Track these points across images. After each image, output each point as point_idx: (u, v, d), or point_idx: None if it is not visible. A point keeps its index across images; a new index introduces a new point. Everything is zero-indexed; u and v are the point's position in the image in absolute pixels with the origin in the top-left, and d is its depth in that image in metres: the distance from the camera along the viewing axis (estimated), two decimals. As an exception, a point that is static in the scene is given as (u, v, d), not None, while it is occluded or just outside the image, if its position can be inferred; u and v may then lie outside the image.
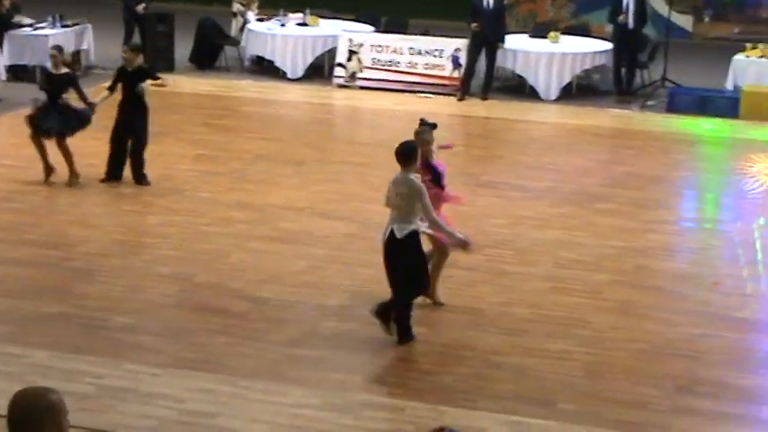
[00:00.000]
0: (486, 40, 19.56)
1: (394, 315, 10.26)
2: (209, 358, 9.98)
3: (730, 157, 17.21)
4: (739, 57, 19.88)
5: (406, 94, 19.89)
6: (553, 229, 13.35)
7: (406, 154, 10.05)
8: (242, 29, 21.92)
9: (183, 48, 21.74)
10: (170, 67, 21.06)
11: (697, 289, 11.73)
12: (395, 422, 9.06)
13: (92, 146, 15.10)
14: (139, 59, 14.73)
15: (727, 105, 19.10)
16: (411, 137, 10.59)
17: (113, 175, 14.73)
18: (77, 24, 21.17)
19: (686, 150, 17.35)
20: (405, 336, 10.28)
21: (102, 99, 14.72)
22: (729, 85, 19.73)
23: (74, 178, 14.59)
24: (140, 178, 14.69)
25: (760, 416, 9.33)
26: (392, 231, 10.00)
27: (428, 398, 9.40)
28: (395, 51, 20.27)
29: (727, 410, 9.37)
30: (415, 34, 20.91)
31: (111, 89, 14.74)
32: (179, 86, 19.68)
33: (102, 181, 14.71)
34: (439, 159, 11.01)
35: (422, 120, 11.08)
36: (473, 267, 12.08)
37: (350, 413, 9.10)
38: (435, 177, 10.76)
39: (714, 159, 17.15)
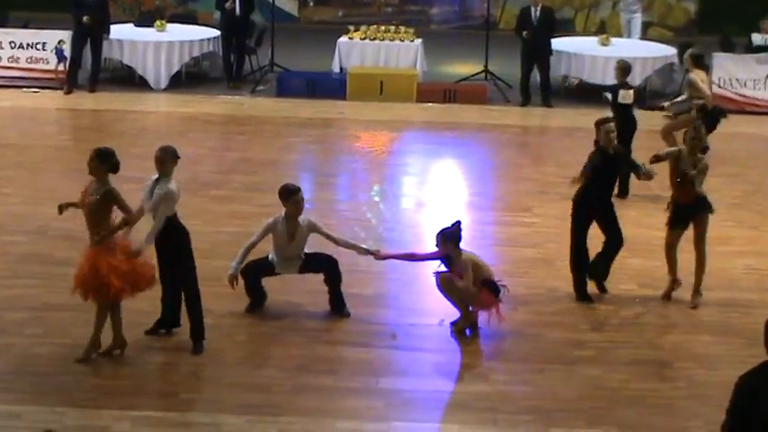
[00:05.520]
0: (92, 30, 19.15)
1: None
2: None
3: (339, 137, 17.63)
4: (343, 39, 20.37)
5: (10, 89, 19.18)
6: (168, 218, 13.21)
7: None
8: None
9: None
10: None
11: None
12: (11, 429, 8.72)
13: None
14: None
15: (334, 87, 19.57)
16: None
17: None
18: None
19: (297, 133, 17.61)
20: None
21: None
22: (336, 68, 20.19)
23: None
24: None
25: (376, 386, 9.61)
26: None
27: (46, 400, 9.13)
28: (-5, 46, 19.55)
29: (345, 384, 9.62)
30: (16, 27, 20.20)
31: None
32: None
33: None
34: None
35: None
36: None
37: (-39, 425, 8.72)
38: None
39: (324, 140, 17.49)
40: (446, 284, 10.53)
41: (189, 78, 20.34)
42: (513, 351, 10.35)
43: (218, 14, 20.85)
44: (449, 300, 10.58)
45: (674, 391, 9.72)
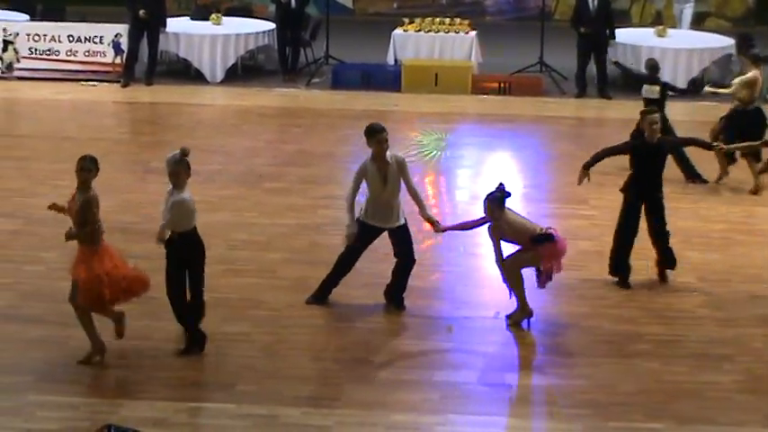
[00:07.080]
0: (148, 24, 19.27)
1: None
2: None
3: (395, 129, 17.55)
4: (398, 31, 20.35)
5: (68, 82, 19.34)
6: (223, 211, 13.28)
7: None
8: None
9: None
10: None
11: (370, 262, 11.88)
12: (69, 420, 8.80)
13: None
14: None
15: (389, 79, 19.56)
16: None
17: None
18: None
19: (353, 125, 17.52)
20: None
21: None
22: (390, 60, 20.19)
23: None
24: None
25: (432, 379, 9.60)
26: None
27: (104, 393, 9.21)
28: (53, 39, 19.69)
29: (401, 377, 9.61)
30: (73, 21, 20.37)
31: None
32: None
33: None
34: None
35: None
36: (147, 256, 11.85)
37: (21, 415, 8.81)
38: None
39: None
40: (510, 272, 10.44)
41: (244, 71, 20.41)
42: (569, 344, 10.31)
43: (273, 7, 20.91)
44: (508, 287, 10.47)
45: (733, 385, 9.63)
